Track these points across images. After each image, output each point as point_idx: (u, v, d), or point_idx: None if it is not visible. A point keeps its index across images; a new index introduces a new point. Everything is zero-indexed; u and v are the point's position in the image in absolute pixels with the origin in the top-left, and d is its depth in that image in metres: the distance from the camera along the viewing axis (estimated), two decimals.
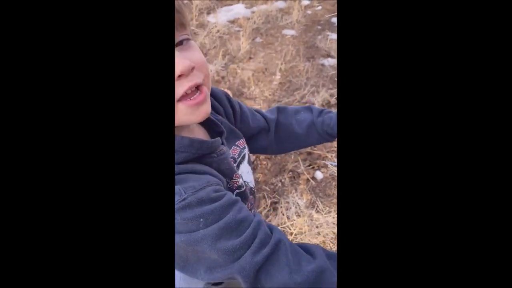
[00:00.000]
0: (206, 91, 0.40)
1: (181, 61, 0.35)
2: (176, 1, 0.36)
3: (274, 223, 1.35)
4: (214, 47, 2.47)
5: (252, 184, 0.55)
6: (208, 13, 2.90)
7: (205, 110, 0.40)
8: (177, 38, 0.38)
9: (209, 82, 0.41)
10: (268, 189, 1.51)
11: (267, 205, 1.43)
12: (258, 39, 2.58)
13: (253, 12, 2.87)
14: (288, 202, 1.42)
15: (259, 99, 2.02)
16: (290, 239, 1.26)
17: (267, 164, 1.62)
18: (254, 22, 2.70)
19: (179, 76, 0.36)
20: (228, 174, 0.46)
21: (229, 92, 1.93)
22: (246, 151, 0.55)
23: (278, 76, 2.19)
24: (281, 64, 2.27)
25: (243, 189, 0.50)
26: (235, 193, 0.49)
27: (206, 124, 0.49)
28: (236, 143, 0.53)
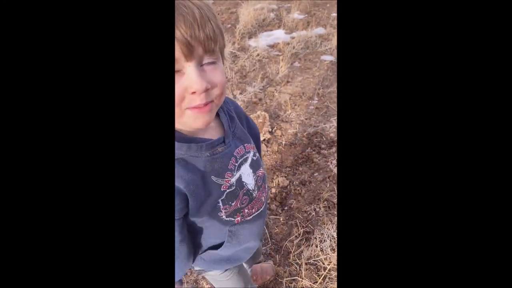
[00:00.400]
0: (213, 106, 0.46)
1: (199, 81, 0.41)
2: (212, 30, 0.42)
3: (306, 254, 1.28)
4: (254, 69, 2.55)
5: (251, 186, 0.60)
6: (250, 38, 3.02)
7: (206, 120, 0.46)
8: (205, 60, 0.43)
9: (221, 99, 0.48)
10: (301, 216, 1.45)
11: (299, 234, 1.37)
12: (296, 64, 2.62)
13: (292, 38, 2.94)
14: (322, 234, 1.35)
15: (295, 122, 2.01)
16: (323, 275, 1.18)
17: (301, 190, 1.57)
18: (293, 47, 2.76)
19: (193, 92, 0.42)
20: (220, 172, 0.53)
21: (266, 115, 1.95)
22: (251, 155, 0.60)
23: (315, 101, 2.18)
24: (319, 89, 2.26)
25: (233, 189, 0.56)
26: (225, 193, 0.55)
27: (224, 122, 0.57)
28: (244, 145, 0.59)
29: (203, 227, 0.60)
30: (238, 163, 0.56)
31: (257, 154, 0.63)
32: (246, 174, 0.58)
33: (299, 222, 1.42)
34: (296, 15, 3.36)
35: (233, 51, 2.75)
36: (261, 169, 0.63)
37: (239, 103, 2.12)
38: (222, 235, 0.62)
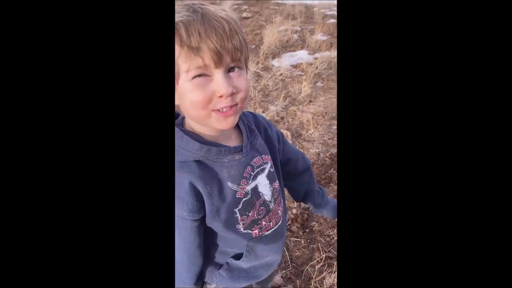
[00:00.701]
0: (237, 109, 0.50)
1: (225, 86, 0.46)
2: (239, 42, 0.47)
3: (328, 282, 1.21)
4: (276, 89, 2.58)
5: (268, 197, 0.61)
6: (273, 58, 3.10)
7: (231, 122, 0.50)
8: (232, 67, 0.48)
9: (245, 103, 0.52)
10: (323, 240, 1.39)
11: (321, 259, 1.31)
12: (319, 84, 2.63)
13: (315, 58, 2.97)
14: None
15: (317, 142, 1.99)
16: None
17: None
18: (316, 67, 2.78)
19: (220, 96, 0.46)
20: (236, 179, 0.56)
21: (288, 133, 1.95)
22: (268, 166, 0.62)
23: None
24: None
25: (249, 197, 0.57)
26: (241, 201, 0.57)
27: (243, 132, 0.60)
28: (262, 156, 0.61)
29: (223, 237, 0.60)
30: (255, 172, 0.58)
31: (274, 167, 0.64)
32: (263, 185, 0.60)
33: (321, 247, 1.36)
34: (320, 36, 3.42)
35: (257, 70, 2.82)
36: (277, 182, 0.65)
37: None
38: (241, 246, 0.62)
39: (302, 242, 1.40)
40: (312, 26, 3.72)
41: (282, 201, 0.67)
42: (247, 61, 0.53)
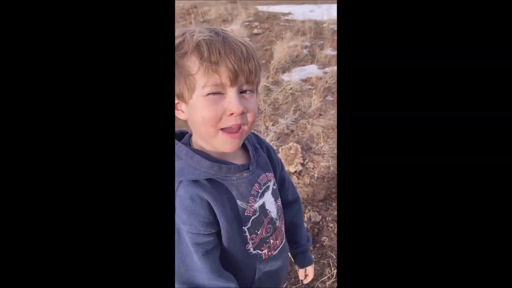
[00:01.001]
0: (244, 132, 0.52)
1: (238, 105, 0.48)
2: (254, 65, 0.50)
3: None
4: (286, 102, 2.61)
5: (274, 215, 0.62)
6: (283, 72, 3.15)
7: (235, 144, 0.52)
8: (245, 88, 0.51)
9: (252, 125, 0.54)
10: (334, 256, 1.36)
11: (332, 275, 1.27)
12: (329, 97, 2.64)
13: (325, 73, 3.01)
14: None
15: (327, 155, 1.98)
16: None
17: (334, 228, 1.49)
18: (326, 81, 2.81)
19: (231, 114, 0.48)
20: (244, 196, 0.57)
21: (298, 146, 1.95)
22: (272, 184, 0.63)
23: None
24: None
25: (257, 215, 0.58)
26: (250, 220, 0.57)
27: (249, 150, 0.62)
28: (266, 174, 0.62)
29: (231, 266, 0.57)
30: (262, 190, 0.60)
31: (277, 184, 0.66)
32: (269, 202, 0.62)
33: (332, 262, 1.33)
34: (329, 51, 3.47)
35: (267, 84, 2.87)
36: (279, 200, 0.66)
37: (271, 134, 2.16)
38: (251, 272, 0.60)
39: (313, 257, 1.37)
40: (321, 42, 3.78)
41: (283, 218, 0.68)
42: (258, 86, 0.56)
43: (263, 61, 3.48)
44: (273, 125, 2.31)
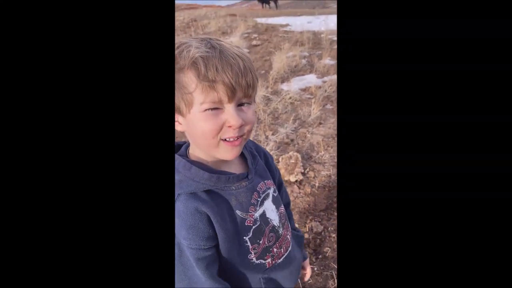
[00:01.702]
0: (242, 141, 0.53)
1: (236, 119, 0.48)
2: (252, 79, 0.49)
3: None
4: (286, 112, 2.62)
5: (276, 222, 0.61)
6: (282, 82, 3.17)
7: (236, 152, 0.53)
8: (243, 101, 0.51)
9: (249, 134, 0.54)
10: (337, 267, 1.32)
11: (335, 287, 1.24)
12: (328, 106, 2.65)
13: (324, 82, 3.03)
14: None
15: (328, 164, 1.96)
16: None
17: (336, 238, 1.46)
18: (325, 90, 2.82)
19: (230, 126, 0.49)
20: (244, 206, 0.56)
21: (298, 155, 1.94)
22: (271, 191, 0.63)
23: None
24: None
25: (258, 225, 0.57)
26: (251, 230, 0.56)
27: (248, 159, 0.61)
28: (265, 181, 0.62)
29: (233, 278, 0.56)
30: (261, 198, 0.59)
31: (277, 191, 0.65)
32: (270, 210, 0.61)
33: (335, 274, 1.29)
34: (328, 60, 3.51)
35: (266, 94, 2.89)
36: (282, 207, 0.65)
37: (271, 143, 2.15)
38: (255, 283, 0.59)
39: (315, 269, 1.33)
40: (319, 52, 3.83)
41: (288, 225, 0.66)
42: (255, 96, 0.56)
43: (263, 72, 3.51)
44: (273, 134, 2.31)
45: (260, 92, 2.84)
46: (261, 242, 0.57)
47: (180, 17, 7.66)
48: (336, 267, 1.33)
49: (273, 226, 0.60)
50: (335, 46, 3.93)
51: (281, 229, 0.61)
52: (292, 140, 2.24)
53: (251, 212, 0.56)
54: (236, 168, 0.59)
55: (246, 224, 0.55)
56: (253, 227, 0.56)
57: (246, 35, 5.09)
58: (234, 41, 4.50)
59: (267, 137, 2.28)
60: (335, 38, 4.25)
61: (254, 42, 4.64)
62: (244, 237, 0.55)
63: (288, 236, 0.64)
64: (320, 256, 1.39)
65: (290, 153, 1.93)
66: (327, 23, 4.88)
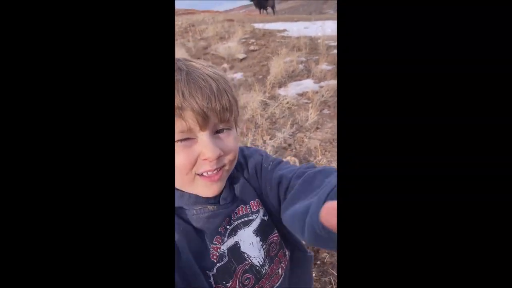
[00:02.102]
0: (224, 173, 0.45)
1: (212, 149, 0.41)
2: (228, 101, 0.43)
3: None
4: (283, 116, 2.62)
5: (258, 260, 0.49)
6: (280, 87, 3.19)
7: (217, 187, 0.45)
8: (220, 128, 0.44)
9: (233, 164, 0.47)
10: (335, 273, 1.32)
11: None
12: (326, 111, 2.66)
13: (321, 87, 3.05)
14: None
15: None
16: None
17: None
18: (322, 95, 2.84)
19: (205, 158, 0.42)
20: (209, 236, 0.46)
21: (296, 160, 1.94)
22: (256, 217, 0.50)
23: None
24: None
25: (225, 262, 0.46)
26: (215, 267, 0.45)
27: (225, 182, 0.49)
28: (245, 205, 0.50)
29: None
30: (232, 226, 0.48)
31: (269, 214, 0.52)
32: (248, 243, 0.48)
33: (334, 280, 1.29)
34: (324, 66, 3.53)
35: (264, 99, 2.89)
36: (275, 233, 0.52)
37: (269, 148, 2.15)
38: None
39: (313, 275, 1.33)
40: (316, 57, 3.86)
41: (286, 253, 0.54)
42: (236, 119, 0.48)
43: (260, 77, 3.53)
44: (270, 139, 2.31)
45: (258, 97, 2.85)
46: (229, 285, 0.46)
47: (178, 22, 7.70)
48: (334, 273, 1.32)
49: (252, 265, 0.48)
50: (332, 52, 3.97)
51: (267, 267, 0.49)
52: (289, 145, 2.24)
53: (215, 244, 0.46)
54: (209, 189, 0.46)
55: (210, 258, 0.45)
56: (218, 264, 0.45)
57: (243, 40, 5.13)
58: (232, 46, 4.52)
59: (264, 142, 2.28)
60: (332, 44, 4.29)
61: (251, 47, 4.66)
62: (208, 272, 0.45)
63: (280, 270, 0.52)
64: (318, 262, 1.38)
65: (288, 157, 1.93)
66: (323, 28, 4.93)
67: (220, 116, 0.42)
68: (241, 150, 0.55)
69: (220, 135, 0.44)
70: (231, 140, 0.45)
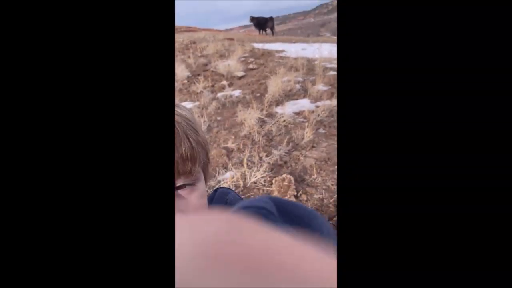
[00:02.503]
0: None
1: None
2: (190, 148, 0.36)
3: None
4: (280, 134, 2.67)
5: None
6: (277, 105, 3.26)
7: None
8: (180, 183, 0.36)
9: None
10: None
11: None
12: (321, 130, 2.72)
13: (317, 106, 3.12)
14: None
15: (320, 187, 1.98)
16: None
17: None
18: (318, 115, 2.90)
19: None
20: None
21: (291, 178, 1.96)
22: None
23: None
24: None
25: None
26: None
27: None
28: None
29: None
30: None
31: None
32: None
33: None
34: (321, 86, 3.64)
35: (261, 117, 2.95)
36: None
37: (265, 165, 2.17)
38: None
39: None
40: (313, 77, 3.97)
41: None
42: (206, 170, 0.40)
43: (258, 94, 3.61)
44: (266, 156, 2.34)
45: (255, 114, 2.91)
46: None
47: (179, 39, 7.90)
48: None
49: None
50: (328, 73, 4.09)
51: None
52: (285, 162, 2.27)
53: None
54: None
55: None
56: None
57: (243, 58, 5.27)
58: (232, 64, 4.64)
59: (261, 159, 2.30)
60: (329, 66, 4.43)
61: (250, 66, 4.79)
62: None
63: None
64: None
65: (284, 175, 1.95)
66: (320, 50, 5.11)
67: (178, 167, 0.35)
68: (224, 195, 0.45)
69: (180, 192, 0.36)
70: (194, 199, 0.36)
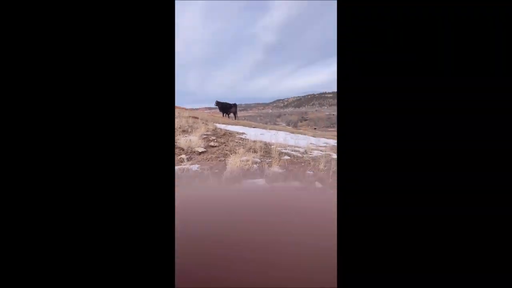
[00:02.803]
0: None
1: None
2: None
3: None
4: None
5: None
6: (234, 183, 3.31)
7: None
8: None
9: None
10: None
11: None
12: None
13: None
14: None
15: None
16: None
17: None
18: None
19: None
20: None
21: None
22: None
23: None
24: None
25: None
26: None
27: None
28: None
29: None
30: None
31: None
32: None
33: None
34: (276, 169, 3.88)
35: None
36: None
37: None
38: None
39: None
40: (270, 160, 4.26)
41: None
42: None
43: (216, 171, 3.67)
44: None
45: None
46: None
47: None
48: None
49: None
50: (283, 157, 4.44)
51: None
52: None
53: None
54: None
55: None
56: None
57: (205, 136, 5.52)
58: (193, 140, 4.80)
59: None
60: (283, 151, 4.85)
61: (212, 143, 5.01)
62: None
63: None
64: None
65: None
66: (276, 137, 5.66)
67: None
68: None
69: None
70: None
